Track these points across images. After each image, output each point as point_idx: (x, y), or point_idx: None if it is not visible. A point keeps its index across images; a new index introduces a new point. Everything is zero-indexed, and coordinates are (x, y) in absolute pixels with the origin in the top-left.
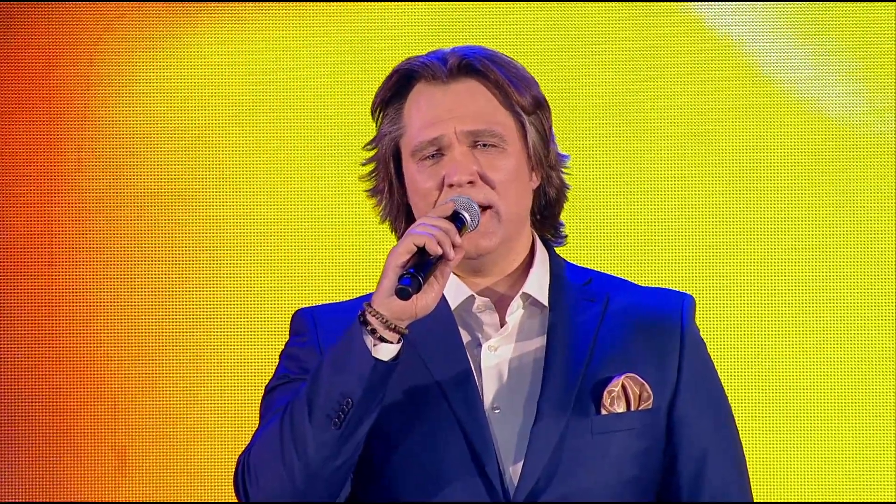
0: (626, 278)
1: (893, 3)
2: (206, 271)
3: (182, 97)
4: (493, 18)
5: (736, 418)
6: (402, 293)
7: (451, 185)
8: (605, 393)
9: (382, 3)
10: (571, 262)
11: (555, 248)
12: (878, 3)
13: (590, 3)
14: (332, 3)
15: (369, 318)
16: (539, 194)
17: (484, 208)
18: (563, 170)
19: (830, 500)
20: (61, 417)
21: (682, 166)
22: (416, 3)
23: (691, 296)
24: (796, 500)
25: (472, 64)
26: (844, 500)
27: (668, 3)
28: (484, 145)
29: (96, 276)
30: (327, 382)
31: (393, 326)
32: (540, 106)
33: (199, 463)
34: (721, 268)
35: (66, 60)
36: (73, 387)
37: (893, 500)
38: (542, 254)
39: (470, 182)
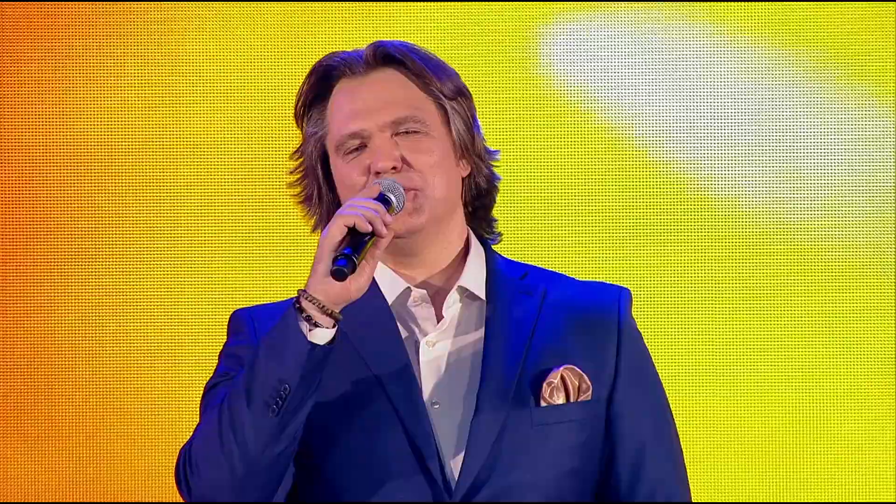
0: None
1: (893, 3)
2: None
3: (153, 102)
4: (491, 18)
5: (734, 418)
6: (339, 274)
7: (376, 173)
8: (545, 385)
9: (357, 3)
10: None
11: (491, 246)
12: (878, 3)
13: (571, 4)
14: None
15: (304, 303)
16: (469, 184)
17: (411, 190)
18: (492, 163)
19: (830, 501)
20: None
21: (674, 164)
22: (409, 3)
23: (628, 289)
24: (796, 501)
25: (389, 53)
26: (844, 501)
27: (664, 2)
28: (407, 132)
29: (96, 279)
30: (264, 369)
31: (329, 311)
32: (461, 94)
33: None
34: (717, 268)
35: (46, 59)
36: (72, 388)
37: (893, 501)
38: (476, 248)
39: (394, 168)
